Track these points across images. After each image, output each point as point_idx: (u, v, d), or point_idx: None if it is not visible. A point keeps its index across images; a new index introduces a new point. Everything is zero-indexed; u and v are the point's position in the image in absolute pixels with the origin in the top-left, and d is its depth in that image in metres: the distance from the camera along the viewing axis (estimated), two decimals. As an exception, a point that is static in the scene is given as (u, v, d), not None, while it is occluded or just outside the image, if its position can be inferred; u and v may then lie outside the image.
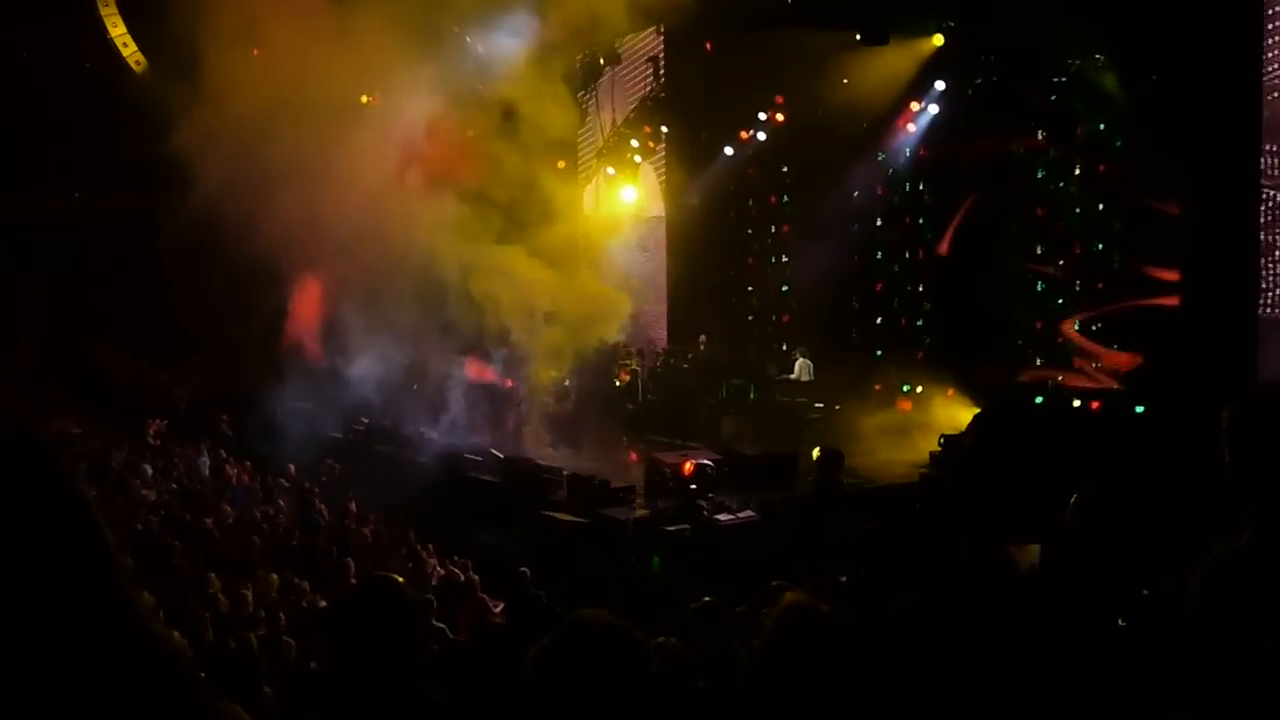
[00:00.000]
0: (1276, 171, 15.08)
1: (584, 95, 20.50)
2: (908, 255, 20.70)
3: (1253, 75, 14.88)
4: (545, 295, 16.94)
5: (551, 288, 16.97)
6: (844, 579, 7.53)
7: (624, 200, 23.07)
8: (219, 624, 8.88)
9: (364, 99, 17.34)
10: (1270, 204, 15.16)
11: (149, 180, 18.38)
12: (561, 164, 22.38)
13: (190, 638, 8.33)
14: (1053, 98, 17.23)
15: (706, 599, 6.20)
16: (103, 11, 20.36)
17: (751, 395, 19.27)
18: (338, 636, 2.89)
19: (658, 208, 23.98)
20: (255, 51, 15.93)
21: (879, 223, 20.96)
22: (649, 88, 21.68)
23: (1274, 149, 15.12)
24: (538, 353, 17.51)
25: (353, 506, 13.90)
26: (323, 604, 9.65)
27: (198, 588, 9.88)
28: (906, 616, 3.08)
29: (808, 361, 19.38)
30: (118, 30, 20.42)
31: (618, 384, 21.02)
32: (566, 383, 18.97)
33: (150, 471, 15.35)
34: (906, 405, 19.18)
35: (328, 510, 14.03)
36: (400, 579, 2.92)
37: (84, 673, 1.44)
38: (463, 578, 10.89)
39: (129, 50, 20.35)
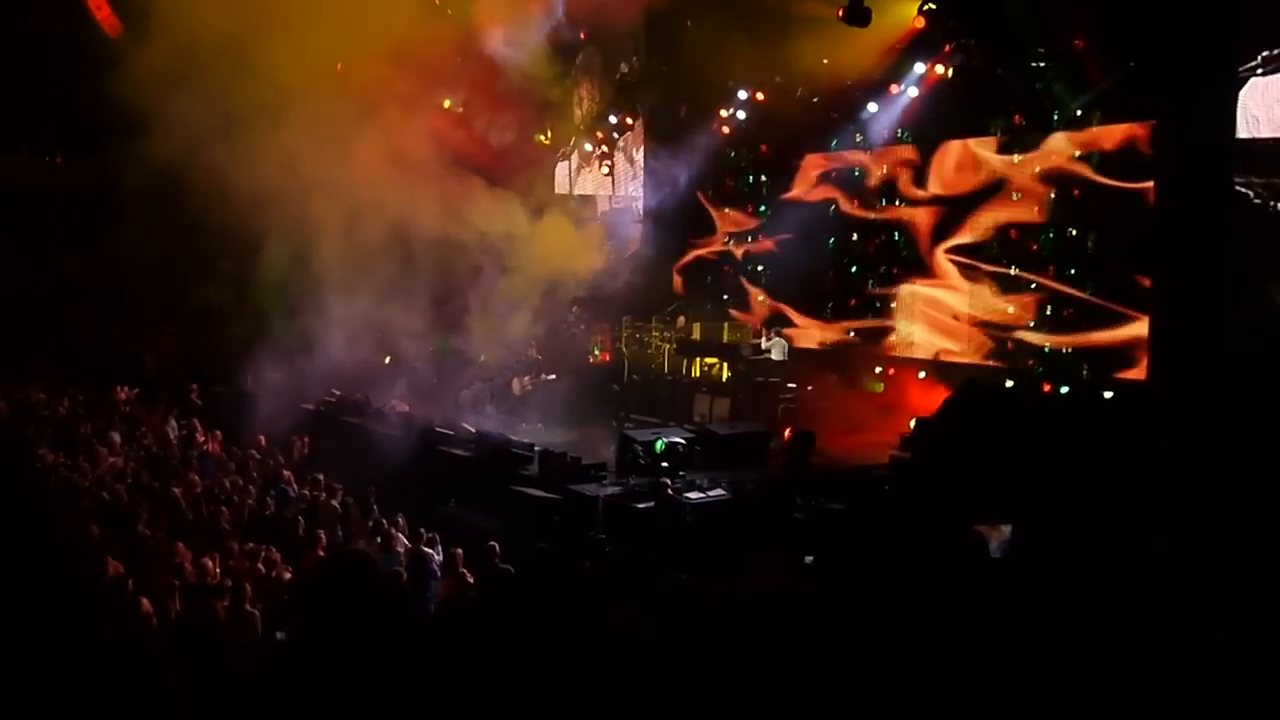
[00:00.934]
0: (1254, 174, 15.09)
1: (563, 71, 20.37)
2: (883, 236, 20.73)
3: (1229, 70, 14.90)
4: (510, 225, 16.77)
5: (519, 219, 16.85)
6: (809, 559, 7.56)
7: (601, 176, 23.10)
8: (185, 593, 8.84)
9: (339, 66, 17.13)
10: (1245, 205, 15.17)
11: (120, 145, 18.16)
12: (541, 137, 22.30)
13: (156, 607, 8.31)
14: (1037, 85, 17.26)
15: (676, 576, 6.21)
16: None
17: (725, 374, 19.30)
18: (306, 610, 2.87)
19: (635, 186, 23.98)
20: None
21: (855, 202, 20.97)
22: (628, 64, 21.58)
23: (1249, 144, 15.14)
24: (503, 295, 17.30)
25: (321, 478, 13.84)
26: (288, 575, 9.61)
27: (164, 557, 9.82)
28: (881, 596, 3.08)
29: (782, 341, 19.43)
30: (90, -7, 20.12)
31: (592, 361, 21.04)
32: (540, 357, 19.01)
33: (118, 439, 15.23)
34: (879, 386, 19.26)
35: (297, 481, 13.96)
36: (369, 554, 2.90)
37: (34, 650, 1.41)
38: (438, 554, 10.87)
39: (103, 13, 20.06)
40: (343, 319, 17.05)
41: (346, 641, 2.67)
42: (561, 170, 24.01)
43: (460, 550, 10.60)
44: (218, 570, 9.58)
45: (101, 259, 21.31)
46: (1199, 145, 15.21)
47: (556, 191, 23.75)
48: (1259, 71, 14.69)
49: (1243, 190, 14.99)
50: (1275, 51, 14.53)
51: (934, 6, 17.02)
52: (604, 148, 23.29)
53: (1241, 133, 14.91)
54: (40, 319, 20.63)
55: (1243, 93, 14.88)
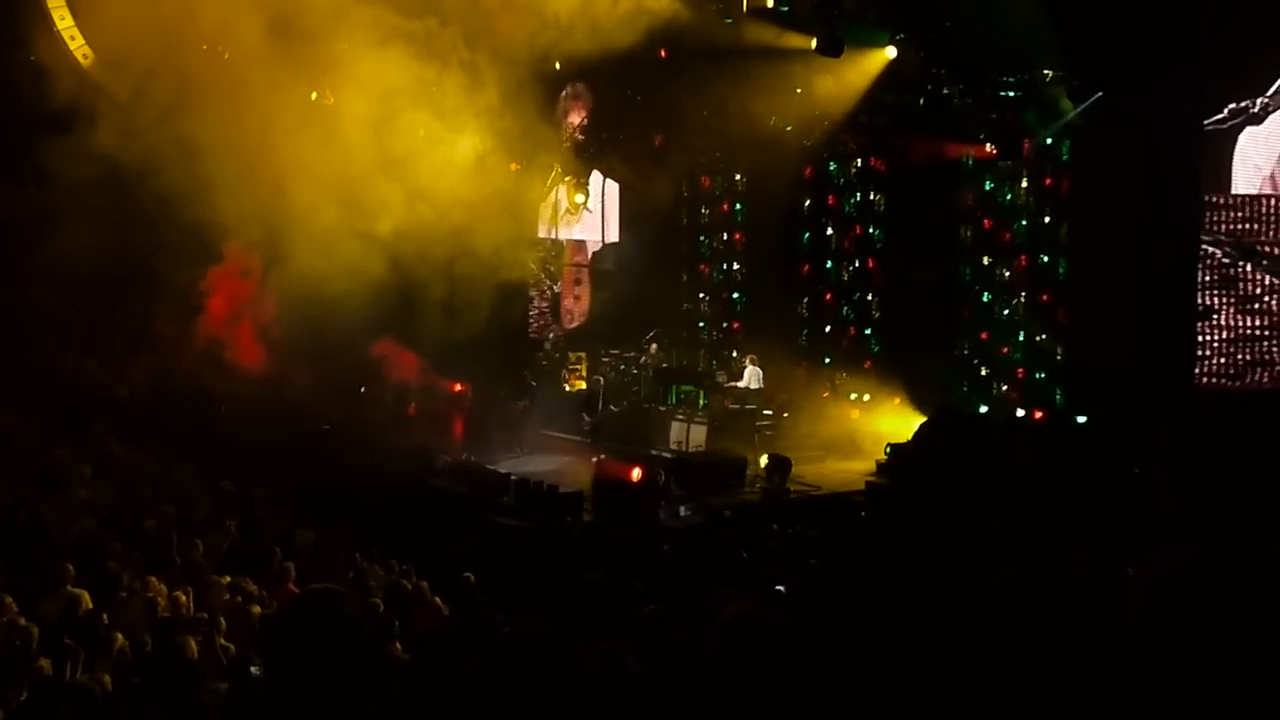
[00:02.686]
0: (1221, 229, 15.23)
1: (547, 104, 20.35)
2: (857, 264, 20.87)
3: (1193, 125, 15.05)
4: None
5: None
6: (780, 587, 7.56)
7: (585, 218, 23.16)
8: (157, 627, 8.74)
9: (313, 95, 17.10)
10: (1212, 263, 15.30)
11: (97, 176, 18.07)
12: (515, 166, 22.23)
13: (129, 641, 8.21)
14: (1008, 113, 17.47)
15: (653, 606, 6.18)
16: (50, 4, 19.97)
17: (701, 402, 19.30)
18: (274, 650, 2.85)
19: (612, 230, 24.08)
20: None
21: (829, 231, 21.11)
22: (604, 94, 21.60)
23: (1220, 201, 15.24)
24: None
25: (296, 509, 13.75)
26: (257, 608, 9.53)
27: (137, 591, 9.72)
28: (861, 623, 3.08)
29: (757, 369, 19.45)
30: (65, 23, 20.04)
31: (567, 389, 21.01)
32: (535, 384, 19.01)
33: (90, 472, 15.06)
34: (854, 413, 19.33)
35: (271, 512, 13.85)
36: (337, 591, 2.87)
37: None
38: (410, 584, 10.79)
39: (77, 43, 19.98)
40: (315, 348, 16.99)
41: (314, 681, 2.65)
42: (544, 208, 23.90)
43: (425, 583, 10.55)
44: (191, 604, 9.49)
45: (73, 288, 21.17)
46: (1170, 195, 15.37)
47: (541, 236, 23.76)
48: (1225, 124, 14.86)
49: (1211, 249, 15.09)
50: (1243, 104, 14.71)
51: (905, 36, 17.21)
52: (583, 179, 23.27)
53: (1241, 188, 15.02)
54: (11, 349, 20.46)
55: (1241, 141, 14.98)
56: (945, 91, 17.73)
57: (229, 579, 10.37)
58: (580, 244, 24.38)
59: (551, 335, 22.19)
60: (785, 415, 18.97)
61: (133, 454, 16.84)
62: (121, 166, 15.00)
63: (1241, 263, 14.99)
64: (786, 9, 16.31)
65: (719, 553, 12.04)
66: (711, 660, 2.58)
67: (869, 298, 20.73)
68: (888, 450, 16.10)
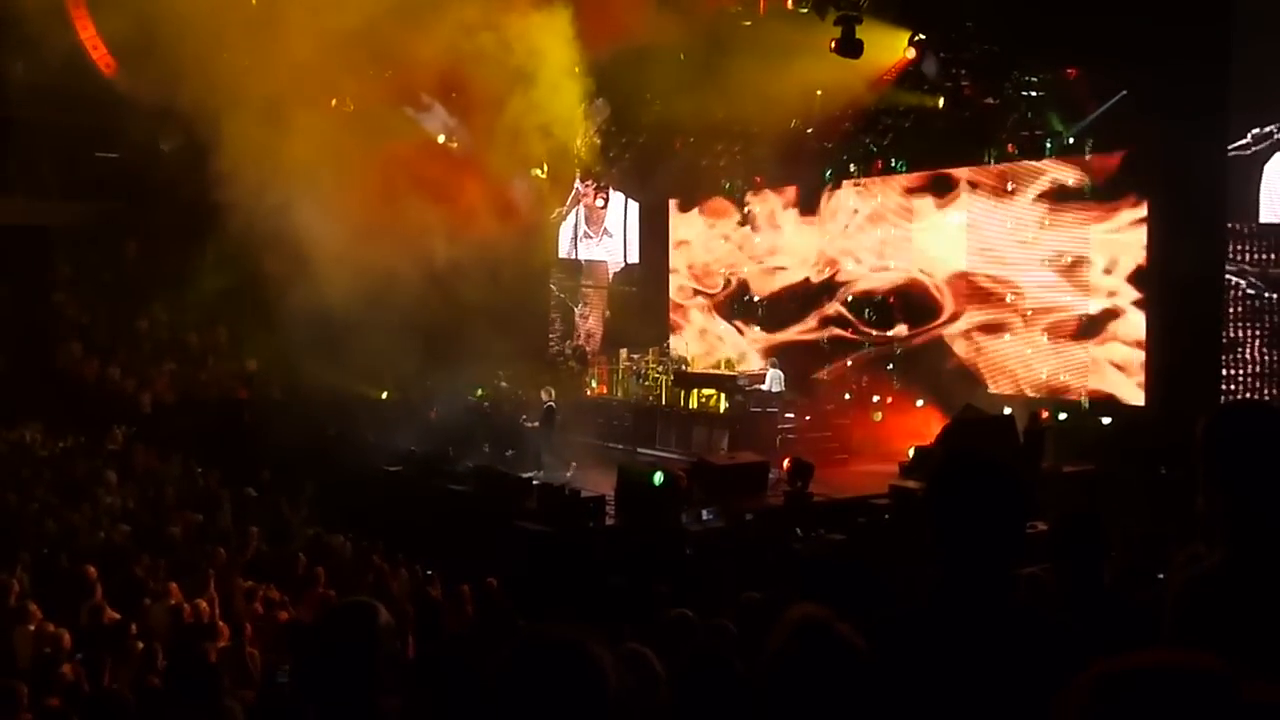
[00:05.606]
0: (1246, 259, 15.02)
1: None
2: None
3: (1219, 148, 14.87)
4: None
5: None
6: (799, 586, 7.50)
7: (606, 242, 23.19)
8: (183, 635, 8.76)
9: (333, 102, 17.15)
10: (1237, 293, 15.11)
11: (119, 185, 18.24)
12: (538, 171, 22.23)
13: (152, 648, 8.24)
14: (1029, 113, 17.38)
15: (678, 611, 6.15)
16: (73, 13, 20.08)
17: (722, 406, 19.25)
18: (306, 662, 2.85)
19: (634, 251, 24.11)
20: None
21: (847, 228, 21.04)
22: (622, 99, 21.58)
23: (1244, 230, 15.04)
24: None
25: (320, 514, 13.77)
26: (284, 614, 9.54)
27: (162, 598, 9.75)
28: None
29: (779, 372, 19.38)
30: (87, 32, 20.17)
31: (589, 394, 20.99)
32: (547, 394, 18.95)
33: (114, 479, 15.14)
34: (877, 415, 19.23)
35: (297, 518, 13.88)
36: (374, 603, 2.84)
37: None
38: (436, 590, 10.79)
39: (99, 53, 20.11)
40: (342, 352, 17.04)
41: (343, 694, 2.64)
42: (565, 235, 23.93)
43: (467, 587, 10.54)
44: (216, 610, 9.51)
45: (98, 297, 21.33)
46: (1190, 224, 15.18)
47: (561, 256, 23.80)
48: (1249, 150, 14.65)
49: (1235, 279, 14.88)
50: (1267, 129, 14.50)
51: (924, 37, 17.13)
52: (603, 183, 23.25)
53: (1267, 217, 14.81)
54: (36, 358, 20.62)
55: (1268, 169, 14.76)
56: (966, 91, 17.64)
57: (246, 587, 10.39)
58: (600, 265, 24.44)
59: (569, 349, 22.24)
60: (807, 418, 18.90)
61: (157, 460, 16.94)
62: (146, 175, 15.10)
63: (1269, 294, 14.78)
64: (805, 10, 16.26)
65: (742, 557, 12.00)
66: (772, 662, 2.53)
67: (889, 300, 20.61)
68: (911, 453, 15.98)
